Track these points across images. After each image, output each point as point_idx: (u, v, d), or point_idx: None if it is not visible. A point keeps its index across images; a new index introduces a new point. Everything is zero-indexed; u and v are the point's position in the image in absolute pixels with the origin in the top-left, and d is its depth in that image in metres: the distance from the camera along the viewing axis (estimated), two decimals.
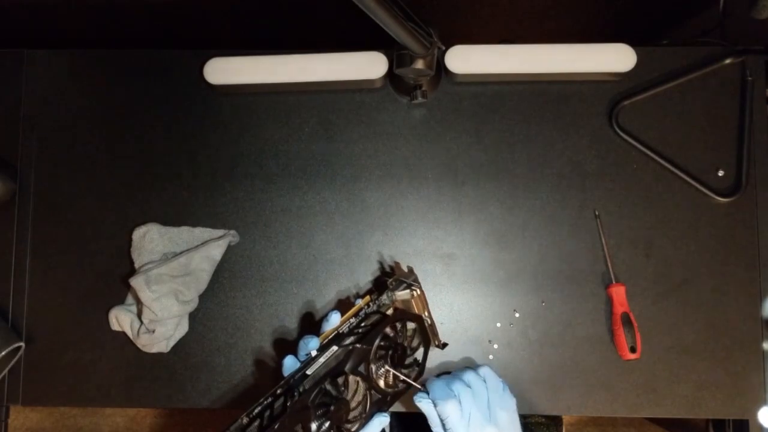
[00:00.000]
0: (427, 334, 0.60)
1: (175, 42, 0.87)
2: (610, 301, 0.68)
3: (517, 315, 0.69)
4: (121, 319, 0.68)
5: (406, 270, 0.68)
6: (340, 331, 0.54)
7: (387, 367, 0.55)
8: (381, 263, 0.69)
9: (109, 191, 0.72)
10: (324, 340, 0.54)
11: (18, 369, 0.70)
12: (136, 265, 0.68)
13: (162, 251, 0.68)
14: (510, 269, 0.69)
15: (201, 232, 0.70)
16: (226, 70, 0.70)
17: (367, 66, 0.69)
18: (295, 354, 0.54)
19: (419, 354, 0.60)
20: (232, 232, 0.70)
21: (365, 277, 0.70)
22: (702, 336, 0.68)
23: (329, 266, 0.70)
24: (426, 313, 0.60)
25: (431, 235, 0.70)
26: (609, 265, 0.68)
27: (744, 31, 0.75)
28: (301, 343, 0.53)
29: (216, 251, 0.68)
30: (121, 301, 0.70)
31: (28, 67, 0.74)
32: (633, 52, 0.68)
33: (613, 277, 0.68)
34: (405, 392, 0.57)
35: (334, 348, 0.51)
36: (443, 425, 0.53)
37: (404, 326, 0.57)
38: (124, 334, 0.69)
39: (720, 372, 0.67)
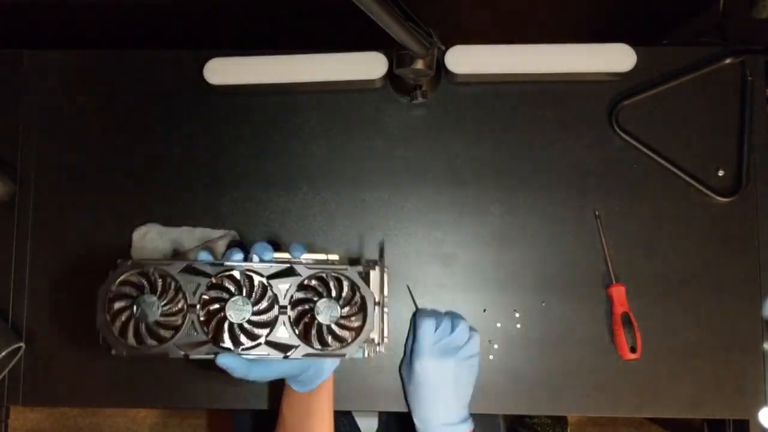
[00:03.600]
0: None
1: (175, 42, 0.86)
2: (610, 301, 0.68)
3: (517, 315, 0.69)
4: None
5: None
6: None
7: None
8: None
9: (109, 191, 0.72)
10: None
11: (18, 369, 0.70)
12: None
13: (162, 251, 0.68)
14: (510, 269, 0.69)
15: (201, 233, 0.70)
16: (226, 70, 0.70)
17: (367, 66, 0.69)
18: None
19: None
20: (233, 232, 0.70)
21: None
22: (702, 336, 0.68)
23: None
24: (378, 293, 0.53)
25: (431, 235, 0.70)
26: (609, 265, 0.68)
27: (744, 31, 0.75)
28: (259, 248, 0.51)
29: (216, 252, 0.68)
30: None
31: (28, 67, 0.74)
32: (633, 52, 0.68)
33: (613, 277, 0.68)
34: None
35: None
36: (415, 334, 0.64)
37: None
38: None
39: (720, 372, 0.67)
